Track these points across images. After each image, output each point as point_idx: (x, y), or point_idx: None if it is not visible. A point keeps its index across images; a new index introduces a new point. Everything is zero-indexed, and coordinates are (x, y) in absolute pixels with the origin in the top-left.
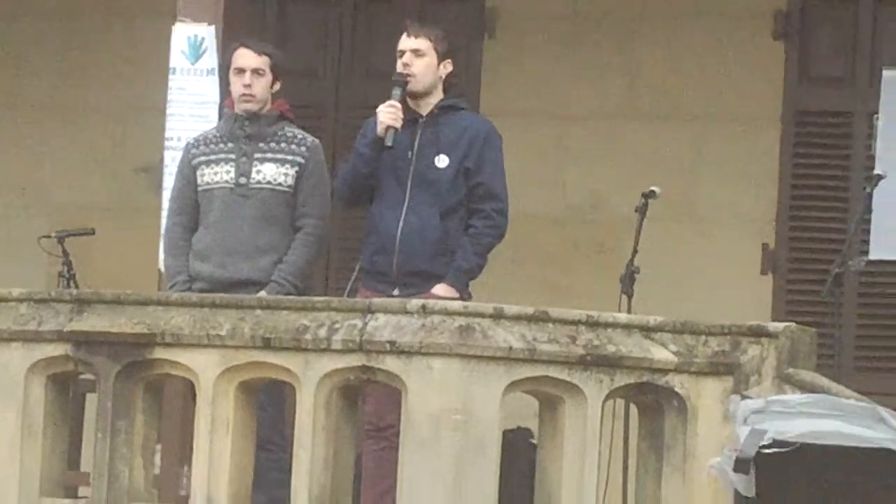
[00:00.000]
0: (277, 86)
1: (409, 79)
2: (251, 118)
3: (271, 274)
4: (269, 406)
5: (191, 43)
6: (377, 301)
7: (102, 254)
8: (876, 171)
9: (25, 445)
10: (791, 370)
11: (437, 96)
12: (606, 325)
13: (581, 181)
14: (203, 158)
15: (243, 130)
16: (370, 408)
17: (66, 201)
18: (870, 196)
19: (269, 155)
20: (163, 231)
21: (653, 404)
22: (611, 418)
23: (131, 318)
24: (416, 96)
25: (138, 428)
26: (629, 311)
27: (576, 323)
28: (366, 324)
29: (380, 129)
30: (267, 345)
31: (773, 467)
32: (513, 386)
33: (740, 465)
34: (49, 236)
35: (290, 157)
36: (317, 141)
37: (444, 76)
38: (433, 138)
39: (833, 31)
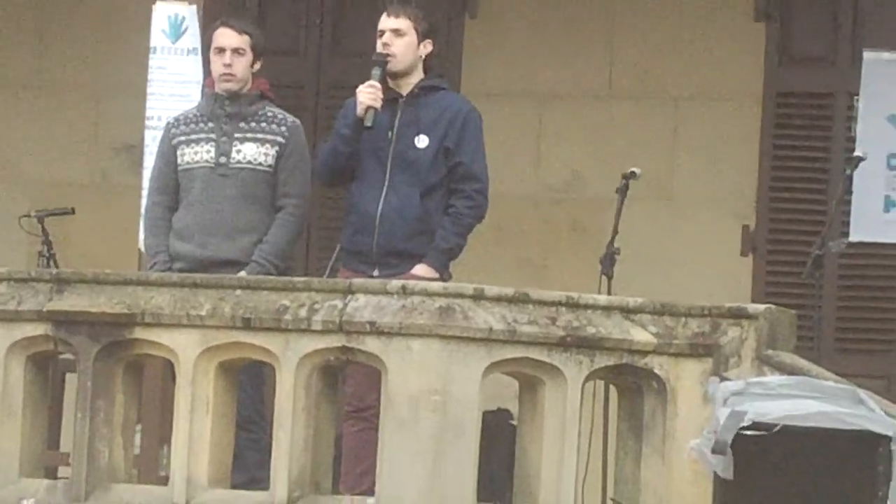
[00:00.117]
0: (258, 65)
1: (388, 59)
2: (232, 97)
3: (251, 254)
4: (248, 386)
5: (171, 22)
6: (357, 281)
7: (82, 233)
8: (856, 153)
9: (5, 425)
10: (771, 352)
11: (418, 76)
12: (586, 306)
13: (561, 161)
14: (183, 138)
15: (224, 110)
16: (350, 389)
17: (46, 181)
18: (850, 178)
19: (249, 134)
20: (143, 211)
21: (632, 386)
22: (590, 400)
23: (111, 298)
24: (396, 76)
25: (118, 408)
26: (609, 293)
27: (556, 304)
28: (346, 304)
29: (359, 110)
30: (247, 325)
31: (753, 449)
32: (493, 367)
33: (718, 447)
34: (29, 216)
35: (270, 137)
36: (297, 121)
37: (424, 56)
38: (413, 118)
39: (814, 12)
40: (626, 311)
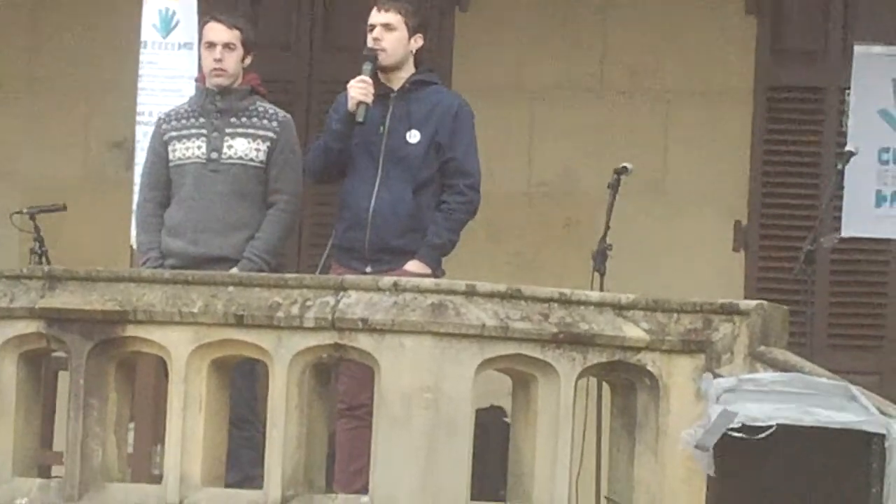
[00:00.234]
0: (249, 60)
1: (379, 53)
2: (222, 93)
3: (243, 250)
4: (241, 384)
5: (162, 17)
6: (349, 278)
7: (74, 230)
8: (848, 148)
9: None
10: (763, 348)
11: (409, 71)
12: (579, 302)
13: (552, 157)
14: (174, 133)
15: (214, 105)
16: (343, 387)
17: (37, 177)
18: (842, 173)
19: (240, 130)
20: (134, 207)
21: (625, 382)
22: (583, 397)
23: (103, 295)
24: (387, 71)
25: (111, 406)
26: (601, 289)
27: (548, 301)
28: (338, 301)
29: (351, 105)
30: (239, 322)
31: (746, 446)
32: (486, 364)
33: (701, 444)
34: (20, 212)
35: (261, 133)
36: (288, 116)
37: (415, 50)
38: (404, 113)
39: (804, 6)
40: (619, 308)
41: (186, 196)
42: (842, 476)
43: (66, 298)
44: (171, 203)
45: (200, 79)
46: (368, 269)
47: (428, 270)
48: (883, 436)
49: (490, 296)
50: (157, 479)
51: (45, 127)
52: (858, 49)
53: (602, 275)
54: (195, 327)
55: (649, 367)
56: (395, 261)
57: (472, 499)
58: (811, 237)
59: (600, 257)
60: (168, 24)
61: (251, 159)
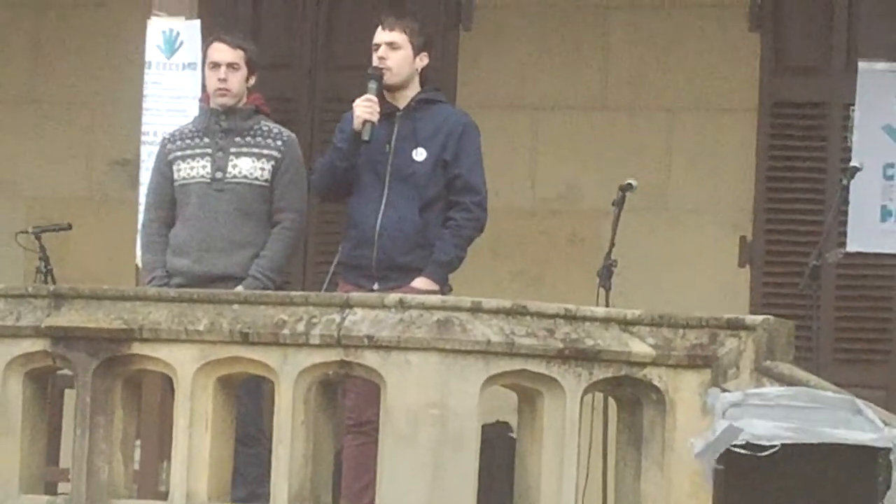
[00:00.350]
0: (253, 80)
1: (384, 72)
2: (227, 112)
3: (248, 268)
4: (247, 401)
5: (166, 37)
6: (355, 295)
7: (79, 249)
8: (852, 163)
9: (4, 442)
10: (769, 363)
11: (414, 89)
12: (584, 318)
13: (557, 173)
14: (179, 153)
15: (219, 125)
16: (350, 402)
17: (42, 196)
18: (846, 188)
19: (244, 149)
20: (139, 226)
21: (631, 398)
22: (589, 412)
23: (109, 314)
24: (393, 89)
25: (117, 423)
26: (607, 305)
27: (554, 317)
28: (344, 318)
29: (356, 124)
30: (245, 339)
31: (752, 460)
32: (491, 380)
33: (703, 455)
34: (26, 231)
35: (266, 152)
36: (293, 135)
37: (420, 69)
38: (410, 132)
39: (808, 22)
40: (625, 323)
41: (191, 215)
42: (848, 490)
43: (72, 317)
44: (176, 222)
45: (205, 99)
46: (376, 287)
47: (435, 287)
48: (889, 450)
49: (495, 312)
50: (164, 496)
51: (50, 146)
52: (862, 65)
53: (608, 291)
54: (201, 345)
55: (655, 383)
56: (402, 278)
57: None
58: (816, 252)
59: (605, 273)
60: (172, 45)
61: (256, 178)
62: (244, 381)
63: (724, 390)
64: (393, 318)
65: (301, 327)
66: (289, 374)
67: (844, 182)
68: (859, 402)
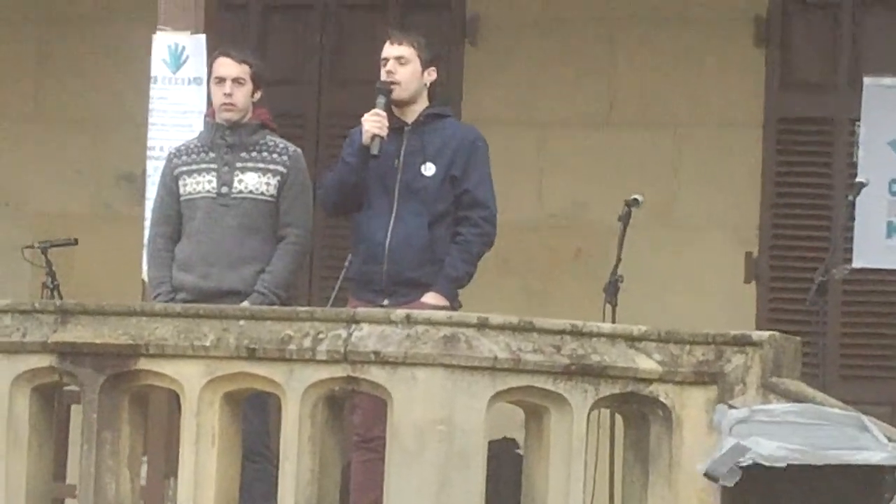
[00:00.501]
0: (258, 94)
1: (393, 86)
2: (232, 127)
3: (254, 284)
4: (253, 417)
5: (171, 52)
6: (361, 311)
7: (86, 264)
8: (858, 179)
9: (11, 458)
10: (775, 379)
11: (422, 104)
12: (591, 334)
13: (562, 189)
14: (185, 168)
15: (225, 140)
16: (358, 419)
17: (48, 211)
18: (853, 204)
19: (250, 164)
20: (145, 241)
21: (638, 414)
22: (596, 428)
23: (115, 329)
24: (401, 104)
25: (124, 439)
26: (613, 321)
27: (560, 333)
28: (350, 334)
29: (365, 138)
30: (251, 355)
31: (759, 477)
32: (498, 396)
33: (710, 474)
34: (32, 247)
35: (271, 167)
36: (298, 150)
37: (428, 84)
38: (419, 146)
39: (814, 38)
40: (631, 339)
41: (197, 230)
42: None
43: (79, 332)
44: (181, 237)
45: (210, 114)
46: (385, 302)
47: (445, 303)
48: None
49: (502, 328)
50: None
51: (56, 161)
52: (868, 80)
53: (614, 307)
54: (207, 361)
55: (662, 399)
56: (411, 293)
57: None
58: (822, 268)
59: (612, 289)
60: (178, 60)
61: (261, 193)
62: (250, 396)
63: (732, 406)
64: (399, 333)
65: (307, 343)
66: (295, 389)
67: (850, 198)
68: (865, 418)
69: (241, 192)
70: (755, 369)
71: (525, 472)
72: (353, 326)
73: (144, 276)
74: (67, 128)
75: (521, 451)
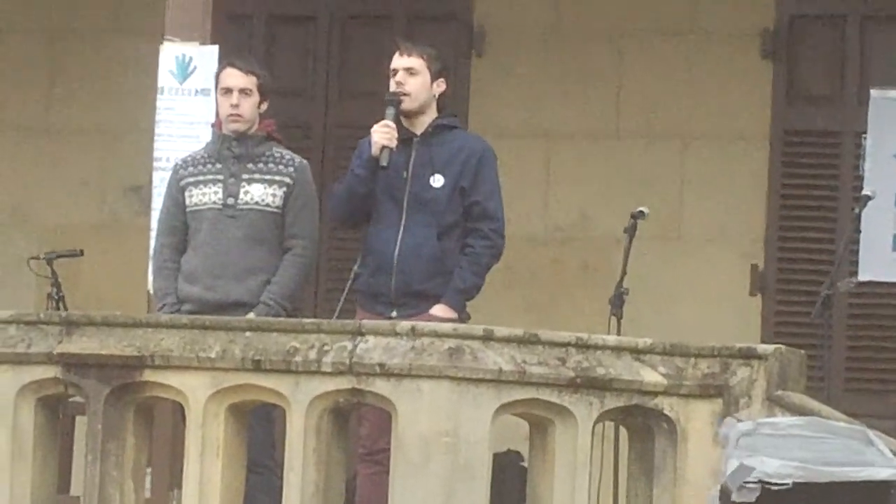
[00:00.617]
0: (265, 106)
1: (402, 97)
2: (239, 138)
3: (260, 295)
4: (258, 428)
5: (179, 63)
6: (367, 323)
7: (91, 275)
8: (864, 192)
9: (15, 469)
10: (781, 392)
11: (431, 115)
12: (596, 347)
13: (568, 200)
14: (191, 179)
15: (231, 151)
16: (365, 431)
17: (54, 222)
18: (858, 217)
19: (256, 176)
20: (151, 252)
21: (642, 427)
22: (601, 441)
23: (121, 340)
24: (410, 115)
25: (128, 451)
26: (618, 333)
27: (565, 345)
28: (355, 346)
29: (374, 150)
30: (257, 367)
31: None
32: (503, 409)
33: (724, 499)
34: (38, 258)
35: (277, 178)
36: (304, 161)
37: (437, 95)
38: (428, 158)
39: (821, 50)
40: (636, 352)
41: (203, 242)
42: None
43: (84, 343)
44: (187, 249)
45: (217, 124)
46: (394, 314)
47: (454, 315)
48: None
49: (507, 340)
50: None
51: (63, 172)
52: (874, 93)
53: (619, 319)
54: (213, 372)
55: (667, 412)
56: (420, 305)
57: None
58: (828, 281)
59: (617, 302)
60: (185, 71)
61: (267, 205)
62: (255, 408)
63: (739, 420)
64: (405, 345)
65: (313, 355)
66: (300, 401)
67: (856, 211)
68: (871, 432)
69: (247, 203)
70: (760, 382)
71: (530, 484)
72: (359, 338)
73: (150, 287)
74: (74, 139)
75: (525, 464)
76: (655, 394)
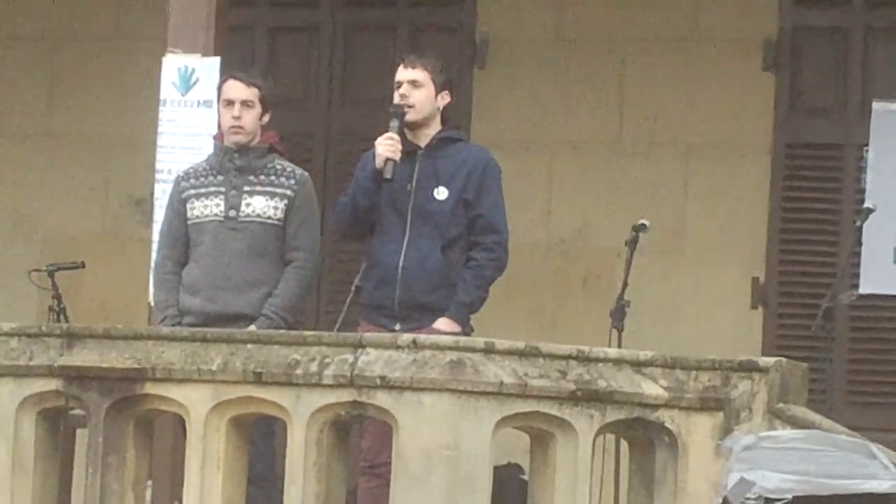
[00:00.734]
0: (267, 117)
1: (406, 110)
2: (241, 151)
3: (261, 308)
4: (259, 441)
5: (181, 74)
6: (368, 336)
7: (93, 286)
8: (866, 204)
9: (16, 482)
10: (782, 405)
11: (435, 127)
12: (597, 359)
13: (570, 212)
14: (193, 191)
15: (233, 163)
16: (366, 444)
17: (56, 234)
18: (860, 229)
19: (258, 188)
20: (153, 265)
21: (643, 440)
22: (602, 454)
23: (122, 353)
24: (414, 127)
25: (129, 463)
26: (619, 346)
27: (566, 358)
28: (357, 358)
29: (378, 162)
30: (258, 379)
31: None
32: (504, 421)
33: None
34: (39, 270)
35: (279, 190)
36: (306, 174)
37: (441, 107)
38: (432, 170)
39: (823, 62)
40: (637, 365)
41: (204, 254)
42: None
43: (85, 356)
44: (189, 261)
45: (218, 136)
46: (398, 327)
47: (458, 328)
48: None
49: (508, 353)
50: None
51: (65, 183)
52: (877, 106)
53: (620, 331)
54: (214, 385)
55: (668, 425)
56: (424, 318)
57: None
58: (830, 294)
59: (618, 314)
60: (187, 82)
61: (269, 217)
62: (256, 421)
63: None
64: (406, 358)
65: (314, 367)
66: (302, 414)
67: (858, 223)
68: (873, 445)
69: (248, 215)
70: (761, 395)
71: (530, 497)
72: (360, 351)
73: (151, 299)
74: (77, 150)
75: (526, 477)
76: (656, 407)
